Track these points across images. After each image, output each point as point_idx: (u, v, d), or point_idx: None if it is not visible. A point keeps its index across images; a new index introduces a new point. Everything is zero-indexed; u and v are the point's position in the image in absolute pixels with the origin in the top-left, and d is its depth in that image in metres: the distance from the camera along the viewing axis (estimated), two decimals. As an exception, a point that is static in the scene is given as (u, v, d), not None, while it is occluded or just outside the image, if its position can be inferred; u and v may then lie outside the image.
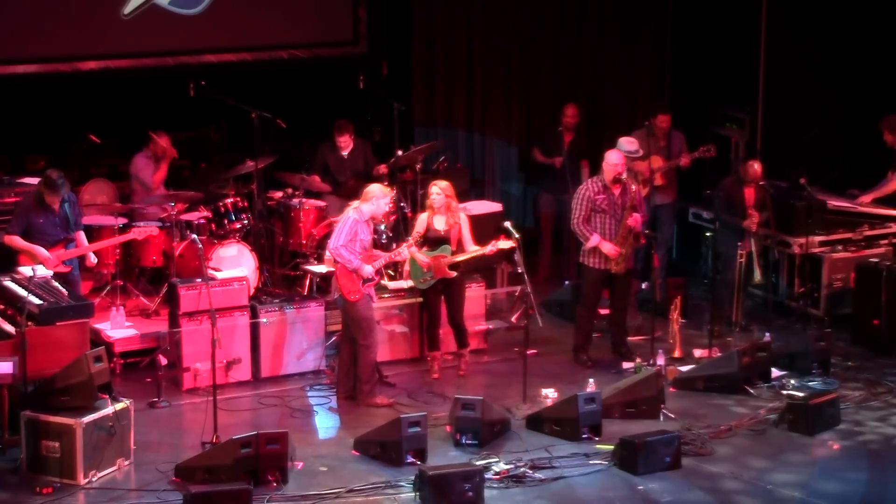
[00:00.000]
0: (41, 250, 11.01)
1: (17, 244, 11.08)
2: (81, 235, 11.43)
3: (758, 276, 12.70)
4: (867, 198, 13.41)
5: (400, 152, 13.34)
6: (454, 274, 11.44)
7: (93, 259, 11.52)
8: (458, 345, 11.71)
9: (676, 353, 11.93)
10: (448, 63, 15.01)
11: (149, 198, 12.92)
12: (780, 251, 13.20)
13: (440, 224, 11.47)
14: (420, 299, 11.77)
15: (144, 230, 11.83)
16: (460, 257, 11.41)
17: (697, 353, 12.01)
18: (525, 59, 15.26)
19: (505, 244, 11.31)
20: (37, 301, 9.86)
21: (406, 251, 11.30)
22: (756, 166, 12.61)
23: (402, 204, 13.34)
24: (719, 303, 12.59)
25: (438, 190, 11.44)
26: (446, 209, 11.44)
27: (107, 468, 9.51)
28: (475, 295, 12.11)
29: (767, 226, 12.87)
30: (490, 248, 11.34)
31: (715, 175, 13.55)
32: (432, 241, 11.46)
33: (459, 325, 11.67)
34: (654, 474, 9.61)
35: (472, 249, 11.39)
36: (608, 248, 11.60)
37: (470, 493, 9.07)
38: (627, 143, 12.41)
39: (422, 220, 11.56)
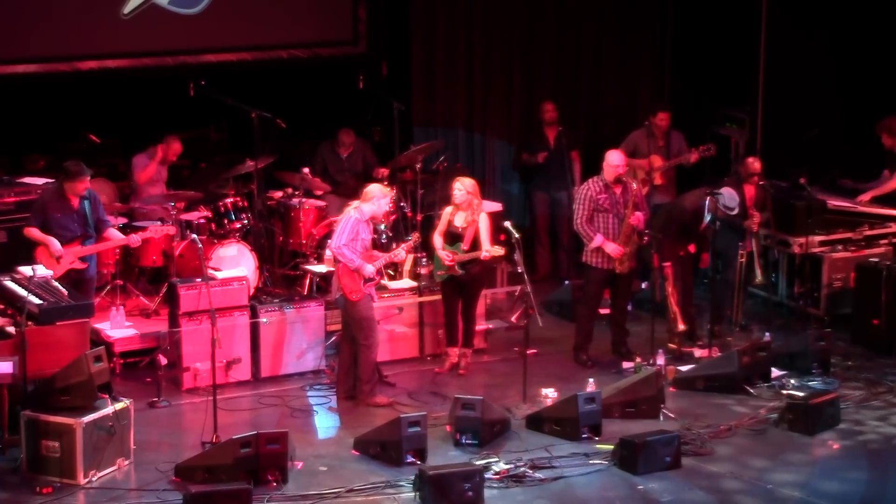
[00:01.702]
0: (55, 243, 10.99)
1: (34, 235, 11.08)
2: (111, 232, 11.39)
3: (759, 276, 12.69)
4: (866, 196, 13.41)
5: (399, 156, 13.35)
6: (461, 272, 11.47)
7: (136, 239, 11.50)
8: (464, 342, 11.73)
9: (680, 327, 11.86)
10: (448, 63, 15.01)
11: (149, 197, 12.93)
12: (780, 251, 13.20)
13: (459, 221, 11.52)
14: (424, 298, 11.90)
15: (161, 229, 11.83)
16: (461, 257, 11.43)
17: (697, 353, 12.01)
18: (525, 58, 15.26)
19: (498, 251, 11.38)
20: (37, 301, 9.86)
21: (403, 253, 11.36)
22: (754, 162, 12.60)
23: (401, 204, 13.35)
24: (719, 303, 12.59)
25: (460, 186, 11.49)
26: (468, 206, 11.47)
27: (107, 468, 9.51)
28: (475, 294, 12.13)
29: (767, 226, 12.87)
30: (484, 254, 11.37)
31: (715, 175, 13.55)
32: (451, 236, 11.52)
33: (468, 323, 11.72)
34: (654, 474, 9.61)
35: (471, 252, 11.40)
36: (612, 248, 11.60)
37: (470, 493, 9.07)
38: (729, 199, 12.00)
39: (445, 214, 11.63)
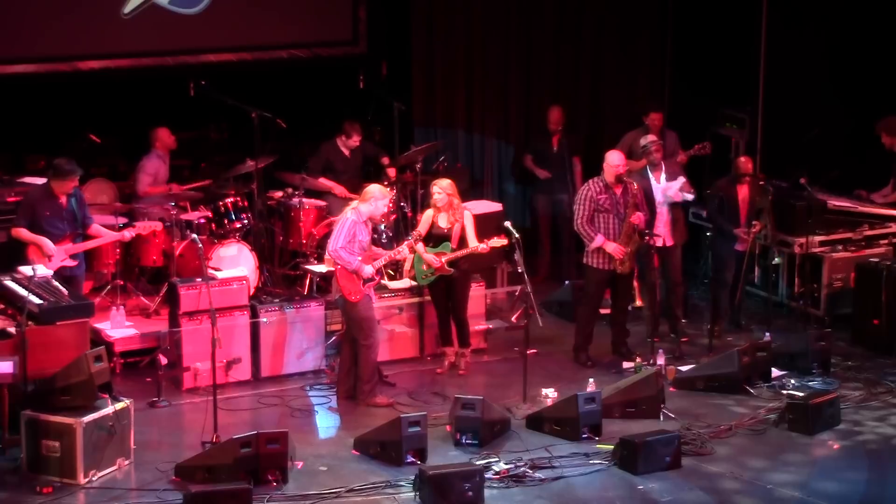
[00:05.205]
0: (48, 242, 10.95)
1: (24, 236, 11.02)
2: (96, 227, 11.37)
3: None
4: (865, 194, 13.43)
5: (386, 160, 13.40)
6: (452, 271, 11.48)
7: (127, 235, 11.51)
8: (460, 343, 11.73)
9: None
10: (448, 63, 15.01)
11: (149, 197, 12.92)
12: (780, 251, 13.20)
13: (443, 222, 11.52)
14: (424, 298, 11.89)
15: (149, 225, 11.82)
16: (455, 254, 11.43)
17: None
18: (525, 59, 15.26)
19: (498, 242, 11.36)
20: (37, 300, 9.85)
21: (406, 250, 11.34)
22: (746, 163, 12.59)
23: (402, 204, 13.35)
24: (719, 303, 12.59)
25: (439, 189, 11.50)
26: (448, 207, 11.48)
27: (107, 468, 9.52)
28: (475, 294, 12.10)
29: (759, 215, 12.77)
30: (482, 247, 11.37)
31: (714, 175, 13.56)
32: (435, 238, 11.51)
33: (462, 323, 11.70)
34: (653, 474, 9.62)
35: (467, 247, 11.41)
36: (613, 247, 11.60)
37: (470, 493, 9.08)
38: (645, 140, 12.64)
39: (426, 217, 11.61)
